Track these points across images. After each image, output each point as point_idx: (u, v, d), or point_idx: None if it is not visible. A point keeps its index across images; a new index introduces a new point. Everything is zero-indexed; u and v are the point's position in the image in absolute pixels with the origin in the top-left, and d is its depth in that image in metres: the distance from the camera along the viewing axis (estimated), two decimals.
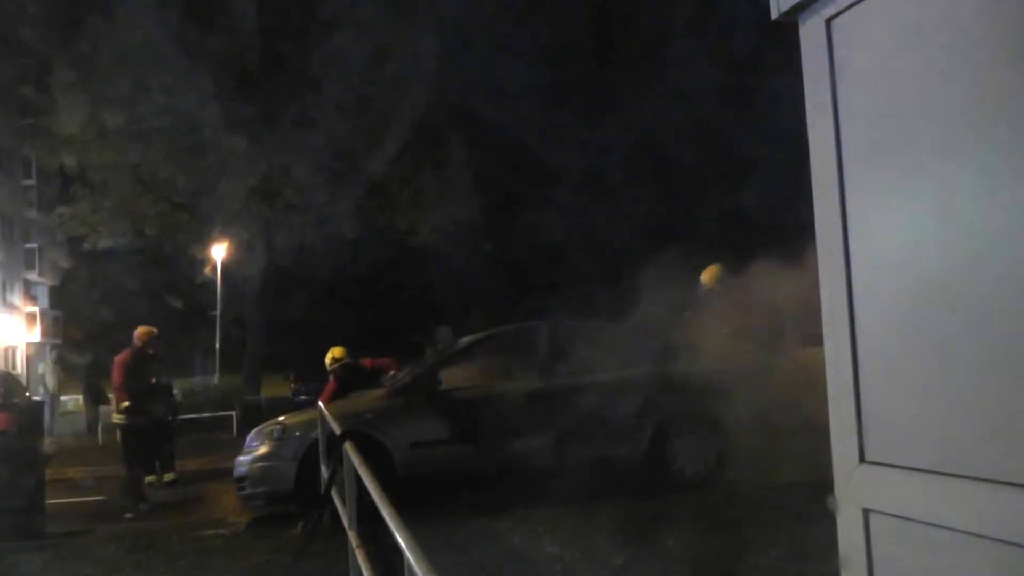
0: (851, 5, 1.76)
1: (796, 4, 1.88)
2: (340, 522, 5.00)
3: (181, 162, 20.08)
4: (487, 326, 9.15)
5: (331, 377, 9.17)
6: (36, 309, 33.26)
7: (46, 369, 19.92)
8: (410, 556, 2.24)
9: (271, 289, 23.48)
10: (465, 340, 8.42)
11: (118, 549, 6.55)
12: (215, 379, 22.68)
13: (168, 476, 9.98)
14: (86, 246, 22.75)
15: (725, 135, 18.39)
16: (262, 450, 7.64)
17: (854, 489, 1.80)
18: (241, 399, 18.40)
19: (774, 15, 1.97)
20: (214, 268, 23.11)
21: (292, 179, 20.60)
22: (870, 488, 1.76)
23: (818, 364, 1.94)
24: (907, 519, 1.66)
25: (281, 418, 8.16)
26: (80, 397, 19.22)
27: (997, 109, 1.47)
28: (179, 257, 23.17)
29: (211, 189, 20.45)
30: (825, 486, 1.90)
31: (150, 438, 9.18)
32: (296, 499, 7.33)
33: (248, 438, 8.02)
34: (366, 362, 9.61)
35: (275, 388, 24.54)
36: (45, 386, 19.02)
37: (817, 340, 1.95)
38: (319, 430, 6.94)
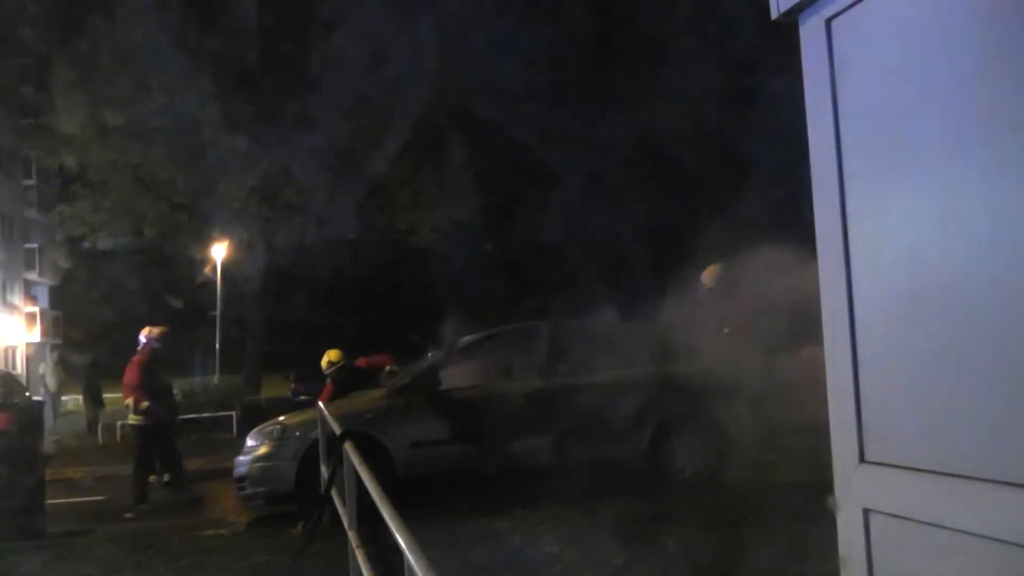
0: (851, 5, 1.76)
1: (796, 4, 1.88)
2: (340, 522, 4.99)
3: (181, 162, 20.09)
4: (487, 326, 9.15)
5: (328, 380, 9.17)
6: (36, 309, 33.25)
7: (46, 369, 19.93)
8: (410, 556, 2.24)
9: (271, 289, 23.49)
10: (465, 340, 8.41)
11: (118, 549, 6.54)
12: (215, 379, 22.68)
13: (168, 476, 9.99)
14: (86, 245, 22.76)
15: (725, 135, 18.39)
16: (262, 450, 7.64)
17: (854, 489, 1.80)
18: (241, 399, 18.40)
19: (774, 15, 1.97)
20: (214, 268, 23.11)
21: (292, 179, 20.60)
22: (870, 488, 1.76)
23: (817, 364, 1.94)
24: (907, 519, 1.66)
25: (281, 418, 8.15)
26: (80, 397, 19.22)
27: (996, 109, 1.47)
28: (179, 257, 23.17)
29: (211, 189, 20.46)
30: (825, 486, 1.90)
31: (163, 438, 9.21)
32: (296, 499, 7.32)
33: (248, 438, 8.01)
34: (360, 362, 9.63)
35: (275, 388, 24.52)
36: (46, 386, 19.04)
37: (817, 339, 1.95)
38: (319, 430, 6.94)
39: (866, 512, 1.77)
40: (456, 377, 7.93)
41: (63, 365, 20.30)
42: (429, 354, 9.34)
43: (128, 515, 8.49)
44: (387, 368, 9.92)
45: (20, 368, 31.04)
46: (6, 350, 31.33)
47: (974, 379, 1.52)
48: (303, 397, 16.74)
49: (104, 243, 22.28)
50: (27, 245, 33.64)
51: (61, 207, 22.19)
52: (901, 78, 1.67)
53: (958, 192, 1.55)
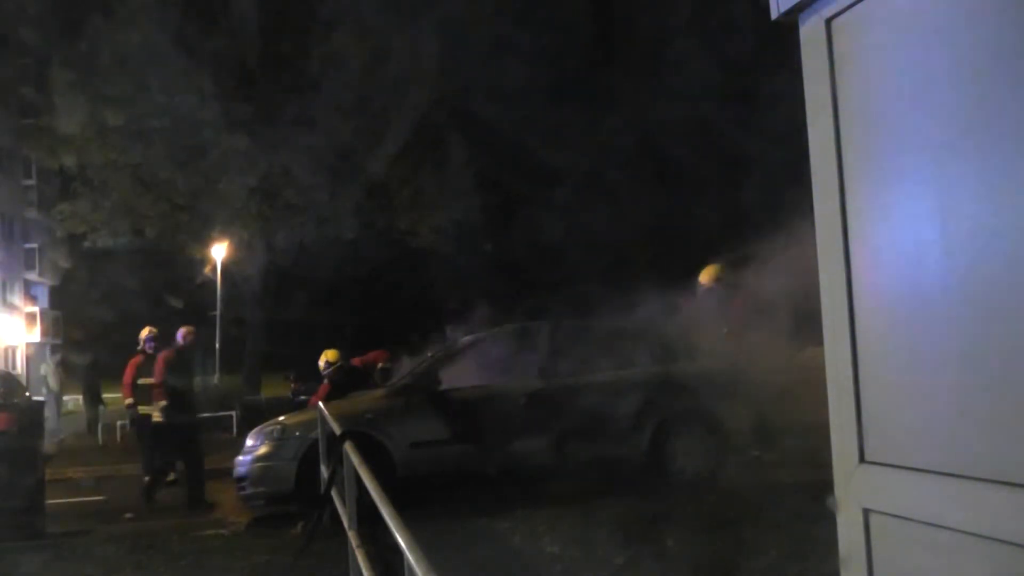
0: (851, 5, 1.76)
1: (796, 4, 1.88)
2: (340, 522, 5.00)
3: (181, 162, 20.09)
4: (487, 326, 9.15)
5: (325, 380, 9.18)
6: (36, 309, 33.22)
7: (48, 370, 19.92)
8: (410, 556, 2.24)
9: (271, 289, 23.48)
10: (465, 340, 8.41)
11: (118, 549, 6.55)
12: (215, 379, 22.67)
13: (168, 476, 9.99)
14: (86, 245, 22.75)
15: (725, 135, 18.39)
16: (262, 450, 7.64)
17: (854, 489, 1.80)
18: (241, 399, 18.40)
19: (774, 15, 1.97)
20: (214, 268, 23.11)
21: (292, 179, 20.60)
22: (870, 488, 1.76)
23: (817, 363, 1.94)
24: (907, 519, 1.66)
25: (281, 418, 8.16)
26: (80, 397, 19.21)
27: (996, 109, 1.47)
28: (179, 257, 23.17)
29: (211, 189, 20.46)
30: (825, 486, 1.90)
31: (183, 438, 9.21)
32: (296, 499, 7.32)
33: (248, 438, 8.01)
34: (355, 361, 9.65)
35: (275, 388, 24.52)
36: (48, 386, 19.03)
37: (816, 339, 1.95)
38: (319, 430, 6.94)
39: (866, 512, 1.77)
40: (456, 377, 7.93)
41: (64, 366, 20.29)
42: (429, 354, 9.35)
43: (128, 515, 8.49)
44: (380, 364, 9.94)
45: (20, 368, 31.03)
46: (6, 350, 31.32)
47: (974, 379, 1.52)
48: (303, 397, 16.73)
49: (104, 242, 22.27)
50: (27, 245, 33.62)
51: (61, 206, 22.20)
52: (901, 78, 1.67)
53: (958, 192, 1.55)
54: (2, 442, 7.14)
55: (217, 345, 23.54)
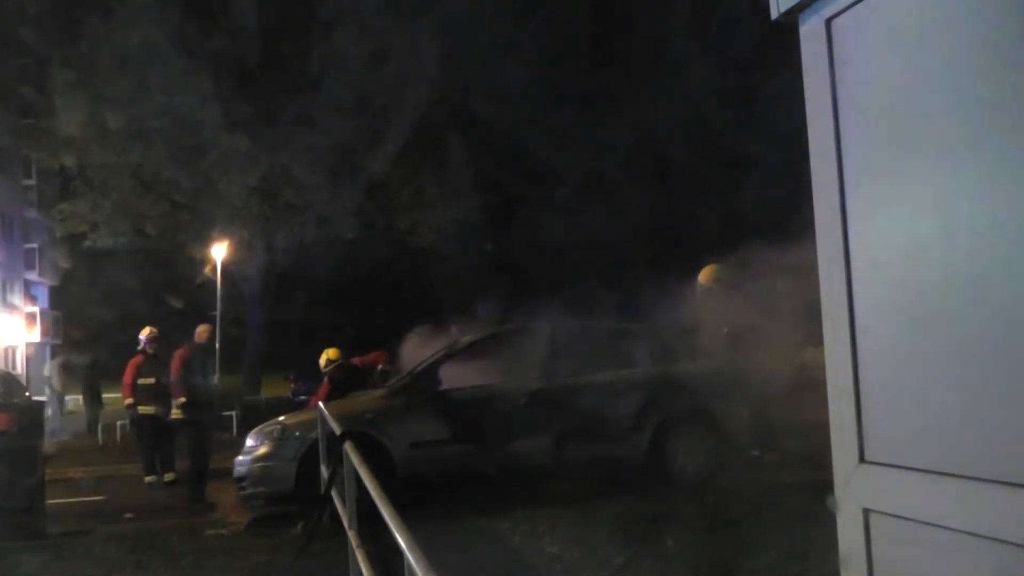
0: (851, 5, 1.76)
1: (796, 4, 1.88)
2: (340, 522, 5.00)
3: (182, 162, 20.09)
4: (487, 326, 9.15)
5: (325, 379, 9.19)
6: (36, 309, 33.20)
7: (52, 371, 19.92)
8: (410, 556, 2.24)
9: (271, 289, 23.49)
10: (465, 340, 8.41)
11: (118, 549, 6.55)
12: (215, 379, 22.65)
13: (168, 476, 9.99)
14: (87, 244, 22.76)
15: (725, 135, 18.40)
16: (262, 450, 7.64)
17: (854, 489, 1.80)
18: (241, 399, 18.39)
19: (774, 15, 1.97)
20: (214, 268, 23.10)
21: (292, 179, 20.61)
22: (870, 488, 1.76)
23: (816, 363, 1.94)
24: (907, 519, 1.66)
25: (281, 418, 8.15)
26: (80, 397, 19.21)
27: (996, 109, 1.47)
28: (179, 257, 23.18)
29: (211, 189, 20.47)
30: (825, 486, 1.90)
31: (198, 436, 9.23)
32: (296, 499, 7.32)
33: (248, 438, 8.01)
34: (355, 361, 9.66)
35: (275, 388, 24.55)
36: (52, 387, 19.03)
37: (816, 340, 1.95)
38: (319, 430, 6.94)
39: (866, 512, 1.77)
40: (456, 377, 7.93)
41: (67, 369, 20.27)
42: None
43: (128, 515, 8.49)
44: (380, 366, 9.95)
45: (20, 368, 31.03)
46: (6, 350, 31.31)
47: (974, 379, 1.52)
48: (303, 397, 16.74)
49: (104, 242, 22.28)
50: (27, 245, 33.61)
51: (61, 206, 22.20)
52: (901, 78, 1.67)
53: (958, 192, 1.55)
54: (2, 442, 7.13)
55: (217, 345, 23.52)
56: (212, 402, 9.80)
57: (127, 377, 10.01)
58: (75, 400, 20.63)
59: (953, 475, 1.55)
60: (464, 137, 21.37)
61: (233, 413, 16.47)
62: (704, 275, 8.30)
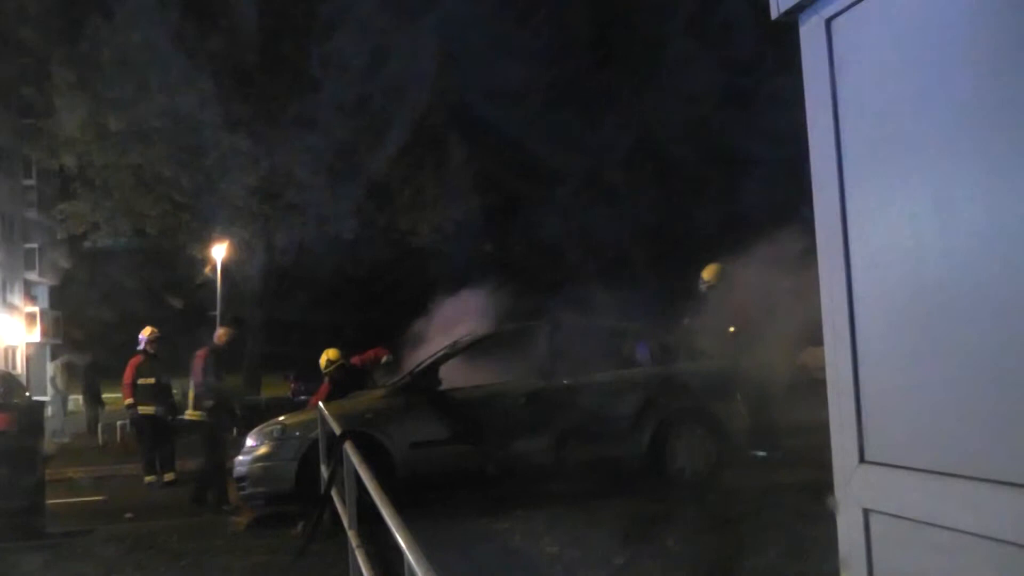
0: (851, 5, 1.76)
1: (796, 4, 1.88)
2: (340, 522, 5.00)
3: (182, 162, 20.09)
4: (486, 326, 9.14)
5: (326, 379, 9.19)
6: (36, 309, 33.23)
7: (56, 371, 19.93)
8: (410, 556, 2.24)
9: (271, 289, 23.48)
10: (465, 340, 8.41)
11: (118, 549, 6.55)
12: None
13: (168, 476, 9.99)
14: (87, 244, 22.75)
15: (725, 135, 18.39)
16: (262, 450, 7.64)
17: (854, 489, 1.80)
18: (241, 399, 18.39)
19: (774, 15, 1.97)
20: (214, 268, 23.09)
21: (292, 179, 20.61)
22: (870, 488, 1.76)
23: (817, 363, 1.94)
24: (907, 519, 1.66)
25: (281, 418, 8.15)
26: (80, 397, 19.21)
27: (996, 108, 1.47)
28: (179, 257, 23.16)
29: (212, 189, 20.46)
30: (825, 486, 1.90)
31: (214, 438, 9.22)
32: (296, 499, 7.32)
33: (248, 438, 8.01)
34: (354, 360, 9.66)
35: (275, 388, 24.56)
36: (56, 387, 19.05)
37: (817, 339, 1.95)
38: (319, 430, 6.94)
39: (866, 512, 1.76)
40: (456, 377, 7.93)
41: (70, 370, 20.27)
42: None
43: (128, 515, 8.49)
44: (384, 359, 9.96)
45: (20, 368, 31.04)
46: (6, 350, 31.32)
47: (974, 379, 1.52)
48: (303, 397, 16.73)
49: (104, 242, 22.27)
50: (27, 245, 33.63)
51: (61, 206, 22.20)
52: (901, 78, 1.67)
53: (958, 191, 1.55)
54: (2, 442, 7.13)
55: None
56: (232, 406, 9.76)
57: (127, 377, 10.00)
58: (75, 400, 20.64)
59: (953, 475, 1.55)
60: (464, 137, 21.38)
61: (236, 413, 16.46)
62: (707, 273, 8.31)
